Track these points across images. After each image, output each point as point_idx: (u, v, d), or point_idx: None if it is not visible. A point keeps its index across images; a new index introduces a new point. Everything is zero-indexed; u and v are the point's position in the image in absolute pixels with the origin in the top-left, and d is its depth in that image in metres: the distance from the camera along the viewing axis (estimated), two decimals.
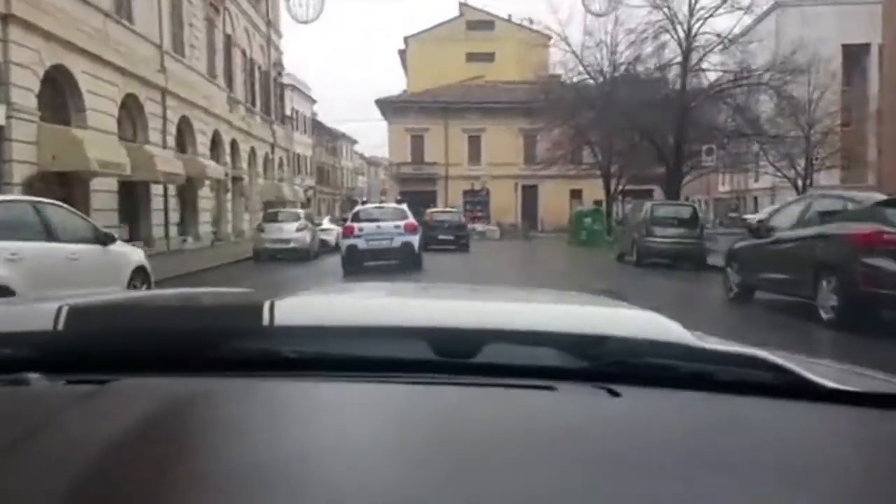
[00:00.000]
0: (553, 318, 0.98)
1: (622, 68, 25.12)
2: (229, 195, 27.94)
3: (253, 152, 31.69)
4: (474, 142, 47.47)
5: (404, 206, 16.89)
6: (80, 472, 0.55)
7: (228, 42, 28.08)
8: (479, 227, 42.75)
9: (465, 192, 46.46)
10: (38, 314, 1.01)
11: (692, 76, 23.80)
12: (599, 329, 0.88)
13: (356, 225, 14.89)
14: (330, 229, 23.63)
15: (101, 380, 0.76)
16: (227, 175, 26.72)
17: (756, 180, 43.24)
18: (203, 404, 0.73)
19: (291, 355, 0.82)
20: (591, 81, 26.90)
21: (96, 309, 1.13)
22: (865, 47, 38.61)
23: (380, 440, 0.66)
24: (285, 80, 57.59)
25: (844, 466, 0.65)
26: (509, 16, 55.94)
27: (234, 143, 28.45)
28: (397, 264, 14.30)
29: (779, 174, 36.86)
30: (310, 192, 61.33)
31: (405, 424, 0.70)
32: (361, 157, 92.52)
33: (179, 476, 0.58)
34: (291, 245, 18.80)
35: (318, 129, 67.23)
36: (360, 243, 14.46)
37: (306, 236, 19.25)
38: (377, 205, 20.50)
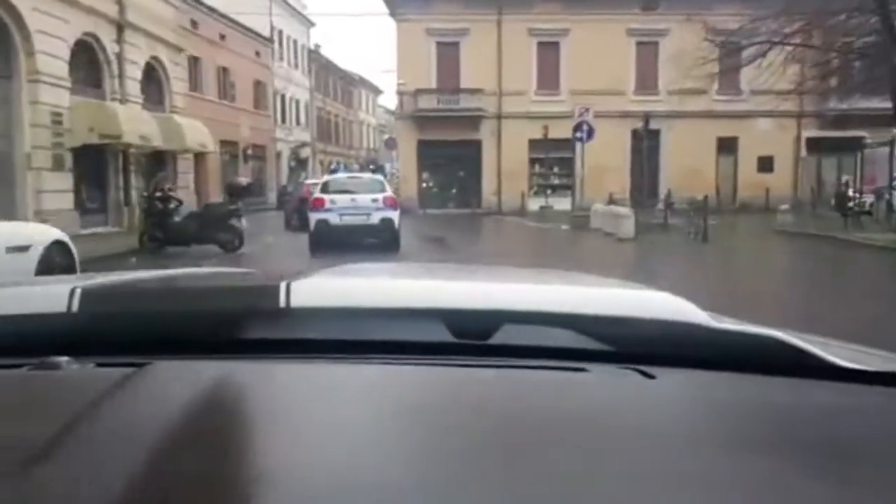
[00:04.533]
0: (571, 300, 0.95)
1: None
2: None
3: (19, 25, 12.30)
4: (549, 52, 27.03)
5: (381, 177, 16.16)
6: (132, 456, 0.55)
7: None
8: (556, 203, 23.11)
9: (533, 143, 26.31)
10: (48, 297, 0.94)
11: None
12: (620, 310, 0.88)
13: (327, 197, 13.28)
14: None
15: (132, 363, 0.76)
16: None
17: None
18: (236, 387, 0.74)
19: (313, 337, 0.87)
20: None
21: (112, 291, 1.07)
22: None
23: (402, 422, 0.66)
24: None
25: (869, 443, 0.66)
26: None
27: None
28: (376, 243, 12.81)
29: None
30: (305, 150, 43.10)
31: (427, 407, 0.70)
32: (388, 112, 74.03)
33: (230, 459, 0.59)
34: None
35: (324, 69, 48.18)
36: (332, 218, 12.94)
37: None
38: (350, 174, 19.16)
